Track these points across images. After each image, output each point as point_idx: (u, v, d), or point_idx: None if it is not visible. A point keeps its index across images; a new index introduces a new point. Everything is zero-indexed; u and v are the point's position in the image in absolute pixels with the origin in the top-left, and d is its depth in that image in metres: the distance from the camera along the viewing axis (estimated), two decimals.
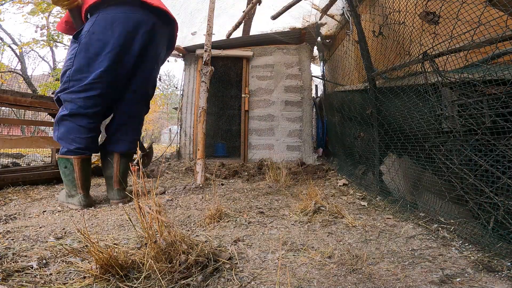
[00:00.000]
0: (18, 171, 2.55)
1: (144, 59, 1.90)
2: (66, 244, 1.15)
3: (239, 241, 1.24)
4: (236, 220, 1.55)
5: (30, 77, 10.63)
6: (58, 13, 7.84)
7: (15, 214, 1.62)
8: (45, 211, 1.69)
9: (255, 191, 2.37)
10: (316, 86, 6.36)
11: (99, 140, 1.99)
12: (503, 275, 0.93)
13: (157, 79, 2.19)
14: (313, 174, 3.30)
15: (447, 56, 1.46)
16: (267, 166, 3.06)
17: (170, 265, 0.90)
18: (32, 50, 11.38)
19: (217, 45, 4.58)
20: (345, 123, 3.32)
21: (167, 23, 2.01)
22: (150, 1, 1.82)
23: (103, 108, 1.86)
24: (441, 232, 1.33)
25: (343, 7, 3.55)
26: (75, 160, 1.77)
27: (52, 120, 2.69)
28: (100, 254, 0.87)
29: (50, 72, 11.14)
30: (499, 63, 1.34)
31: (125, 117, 1.99)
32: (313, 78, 5.07)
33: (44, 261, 0.99)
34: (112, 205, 1.89)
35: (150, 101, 2.19)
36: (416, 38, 1.69)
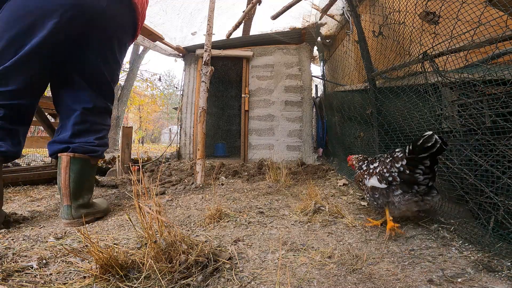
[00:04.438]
0: (18, 171, 2.55)
1: (82, 45, 1.54)
2: (66, 244, 1.15)
3: (239, 241, 1.24)
4: (236, 220, 1.55)
5: None
6: None
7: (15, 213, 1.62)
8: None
9: (255, 191, 2.37)
10: (316, 86, 6.36)
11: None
12: (503, 275, 0.93)
13: (112, 68, 1.72)
14: (313, 174, 3.30)
15: (447, 56, 1.46)
16: (267, 166, 3.06)
17: (170, 265, 0.90)
18: None
19: (217, 45, 4.58)
20: (345, 123, 3.32)
21: (120, 2, 1.60)
22: None
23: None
24: (441, 232, 1.33)
25: (343, 7, 3.55)
26: None
27: (53, 120, 2.69)
28: (100, 254, 0.87)
29: None
30: (499, 63, 1.34)
31: (68, 110, 1.60)
32: (313, 78, 5.07)
33: (44, 261, 0.99)
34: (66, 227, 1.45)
35: (110, 93, 1.75)
36: (416, 38, 1.69)
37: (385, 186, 1.33)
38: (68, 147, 1.56)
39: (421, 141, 1.13)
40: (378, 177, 1.36)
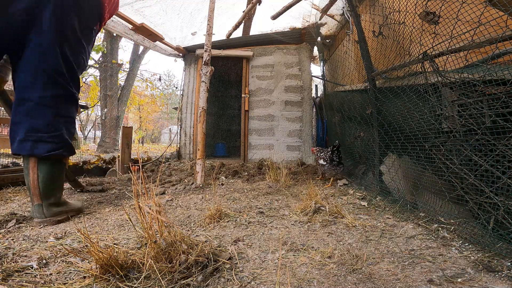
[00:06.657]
0: (18, 171, 2.55)
1: (37, 26, 1.41)
2: (66, 244, 1.15)
3: (239, 241, 1.24)
4: (236, 220, 1.55)
5: None
6: None
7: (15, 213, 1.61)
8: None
9: (255, 191, 2.37)
10: (316, 86, 6.36)
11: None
12: (503, 275, 0.93)
13: (82, 57, 1.61)
14: (313, 174, 3.30)
15: (447, 56, 1.46)
16: (267, 166, 3.06)
17: (170, 265, 0.90)
18: None
19: (217, 45, 4.58)
20: (345, 123, 3.32)
21: None
22: None
23: None
24: (441, 232, 1.33)
25: (343, 7, 3.55)
26: None
27: None
28: (100, 254, 0.87)
29: None
30: (499, 63, 1.34)
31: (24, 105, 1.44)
32: (313, 78, 5.07)
33: (44, 261, 0.99)
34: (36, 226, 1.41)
35: (71, 84, 1.57)
36: (416, 38, 1.69)
37: (325, 163, 2.78)
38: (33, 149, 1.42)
39: (333, 144, 2.76)
40: (323, 159, 2.82)
